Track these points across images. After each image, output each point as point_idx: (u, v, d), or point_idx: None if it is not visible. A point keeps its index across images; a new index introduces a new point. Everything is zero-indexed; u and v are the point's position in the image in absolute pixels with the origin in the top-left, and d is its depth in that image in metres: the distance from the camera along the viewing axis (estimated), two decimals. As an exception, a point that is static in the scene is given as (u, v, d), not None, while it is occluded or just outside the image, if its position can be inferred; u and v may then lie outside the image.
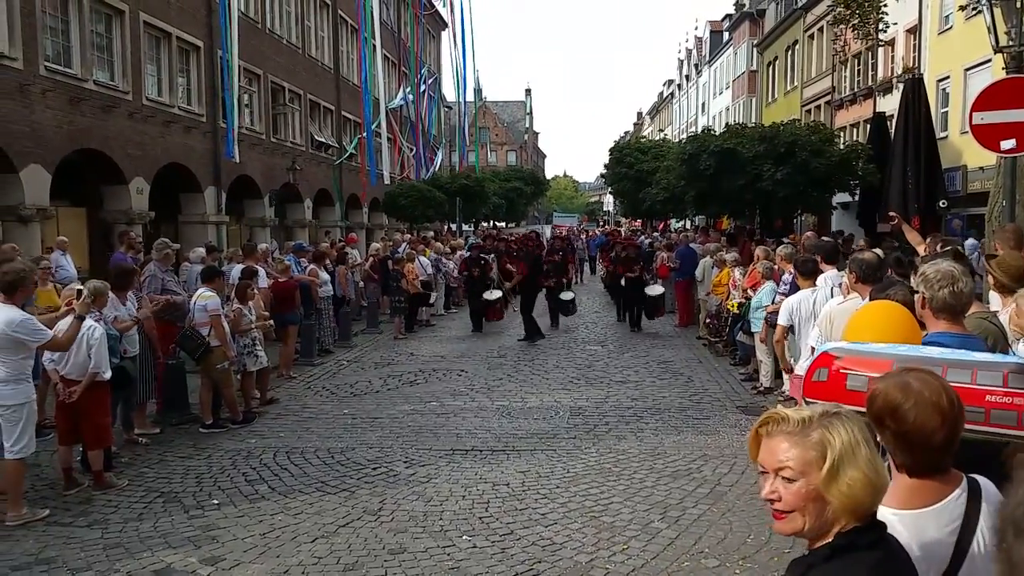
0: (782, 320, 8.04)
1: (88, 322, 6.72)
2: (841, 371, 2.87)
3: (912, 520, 1.97)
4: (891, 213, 10.46)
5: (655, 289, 16.36)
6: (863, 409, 2.07)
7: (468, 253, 18.80)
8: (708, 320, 14.08)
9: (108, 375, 6.93)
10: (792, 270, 9.40)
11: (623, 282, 16.68)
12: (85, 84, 16.06)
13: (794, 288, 8.60)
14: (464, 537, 5.79)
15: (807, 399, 3.03)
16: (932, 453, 1.98)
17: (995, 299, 5.01)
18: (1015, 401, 2.67)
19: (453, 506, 6.42)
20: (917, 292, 3.52)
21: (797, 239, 15.07)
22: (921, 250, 7.66)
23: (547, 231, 37.87)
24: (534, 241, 19.33)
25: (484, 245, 20.09)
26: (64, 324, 6.59)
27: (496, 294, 16.60)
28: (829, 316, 5.93)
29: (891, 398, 1.99)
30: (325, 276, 14.15)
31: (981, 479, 2.09)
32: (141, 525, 6.08)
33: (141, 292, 9.54)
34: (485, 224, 48.04)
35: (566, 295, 17.17)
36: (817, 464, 1.69)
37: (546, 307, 16.93)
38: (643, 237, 27.32)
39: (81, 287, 6.99)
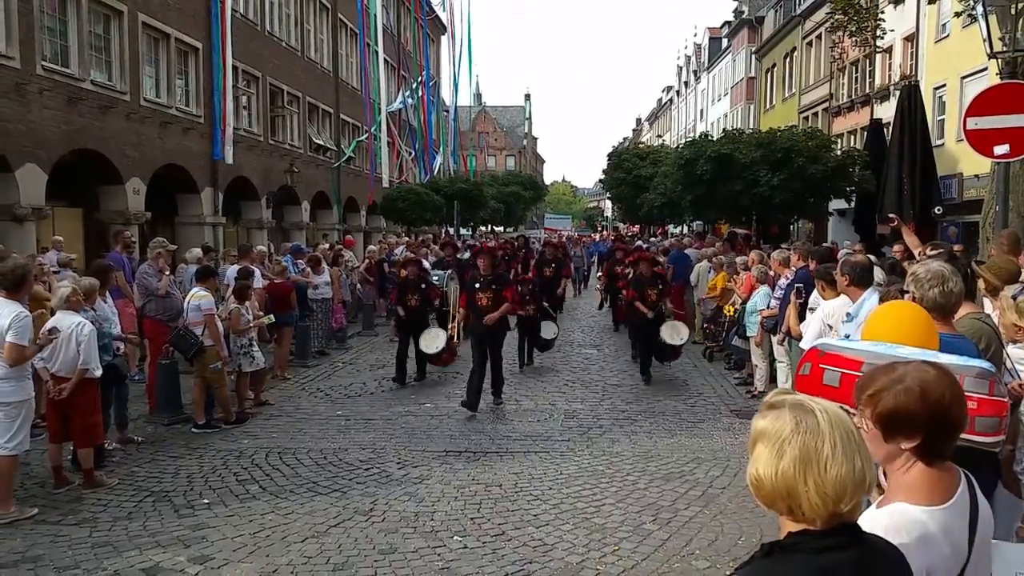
0: (817, 325, 7.28)
1: (77, 318, 6.71)
2: (820, 366, 2.93)
3: (941, 517, 1.95)
4: (891, 215, 10.54)
5: (678, 332, 11.87)
6: (840, 405, 2.09)
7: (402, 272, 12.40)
8: (706, 325, 14.05)
9: (99, 373, 6.90)
10: (789, 275, 9.35)
11: (649, 313, 11.57)
12: (83, 84, 16.02)
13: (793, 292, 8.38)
14: (455, 538, 5.76)
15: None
16: (945, 432, 1.96)
17: (988, 304, 5.02)
18: (968, 405, 2.68)
19: (445, 507, 6.39)
20: (907, 292, 3.53)
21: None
22: (918, 253, 7.69)
23: (541, 235, 36.53)
24: (507, 249, 16.58)
25: (425, 257, 15.66)
26: (48, 325, 6.61)
27: (439, 340, 11.60)
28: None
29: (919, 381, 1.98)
30: (324, 278, 14.11)
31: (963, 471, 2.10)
32: (130, 524, 6.04)
33: (131, 288, 9.48)
34: (483, 228, 48.10)
35: (548, 330, 12.85)
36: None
37: (515, 343, 12.51)
38: (639, 242, 27.11)
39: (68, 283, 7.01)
